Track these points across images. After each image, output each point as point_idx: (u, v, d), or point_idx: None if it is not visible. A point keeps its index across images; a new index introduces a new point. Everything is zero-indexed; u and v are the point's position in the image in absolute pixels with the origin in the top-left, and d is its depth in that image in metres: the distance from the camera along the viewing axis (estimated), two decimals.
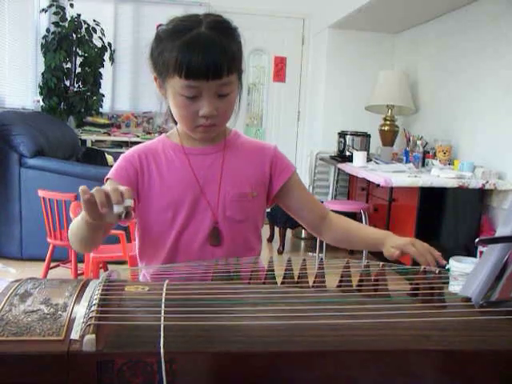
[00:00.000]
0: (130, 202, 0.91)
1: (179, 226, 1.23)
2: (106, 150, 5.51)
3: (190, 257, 1.22)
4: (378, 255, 4.26)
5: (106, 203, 0.89)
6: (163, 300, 0.81)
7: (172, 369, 0.71)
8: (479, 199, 3.80)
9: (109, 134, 5.83)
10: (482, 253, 3.40)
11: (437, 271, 0.99)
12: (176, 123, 1.28)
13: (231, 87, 1.16)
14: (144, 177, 1.24)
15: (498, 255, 0.88)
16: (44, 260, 3.45)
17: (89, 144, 5.68)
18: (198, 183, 1.23)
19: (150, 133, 5.89)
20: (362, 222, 4.24)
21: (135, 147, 1.30)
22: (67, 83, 5.56)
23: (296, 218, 1.38)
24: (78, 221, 1.08)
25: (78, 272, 3.36)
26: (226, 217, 1.24)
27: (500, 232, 0.91)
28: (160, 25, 1.18)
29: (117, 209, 0.89)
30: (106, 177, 1.25)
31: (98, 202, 0.89)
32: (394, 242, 1.18)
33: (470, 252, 3.55)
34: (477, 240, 0.89)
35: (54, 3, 5.45)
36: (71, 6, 5.41)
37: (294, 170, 1.35)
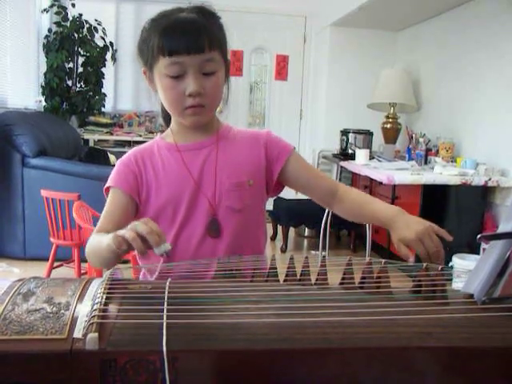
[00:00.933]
0: (169, 247, 0.92)
1: (179, 223, 1.23)
2: (109, 149, 5.52)
3: (190, 251, 1.22)
4: (380, 253, 4.27)
5: (146, 250, 0.90)
6: (166, 298, 0.82)
7: (175, 367, 0.71)
8: (482, 196, 3.80)
9: (111, 134, 5.83)
10: (485, 250, 3.39)
11: (439, 268, 0.99)
12: (168, 123, 1.30)
13: (215, 65, 1.18)
14: (142, 179, 1.24)
15: (500, 251, 0.88)
16: (47, 260, 3.46)
17: (91, 143, 5.69)
18: (193, 178, 1.23)
19: (152, 132, 5.89)
20: None
21: (131, 151, 1.31)
22: (69, 83, 5.58)
23: (307, 196, 1.37)
24: (102, 248, 1.04)
25: (82, 271, 3.37)
26: (224, 207, 1.24)
27: (502, 228, 0.91)
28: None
29: (158, 251, 0.90)
30: (106, 185, 1.25)
31: (138, 251, 0.90)
32: (403, 235, 1.12)
33: (473, 249, 3.54)
34: (478, 236, 0.89)
35: (56, 3, 5.47)
36: (73, 5, 5.42)
37: (292, 150, 1.33)
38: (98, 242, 1.07)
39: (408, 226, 1.12)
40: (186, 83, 1.15)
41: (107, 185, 1.25)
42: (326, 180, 1.36)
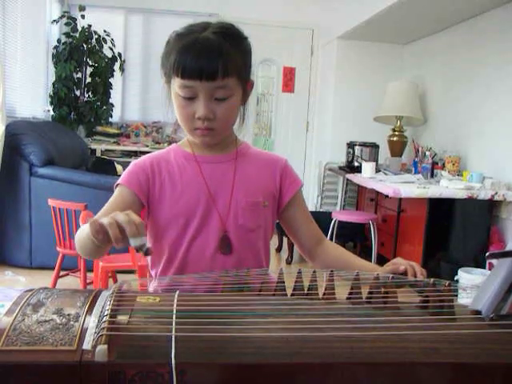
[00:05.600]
0: (145, 241, 0.87)
1: (191, 234, 1.23)
2: (116, 159, 5.54)
3: (201, 265, 1.22)
4: None
5: (121, 239, 0.86)
6: (174, 311, 0.82)
7: (183, 380, 0.71)
8: (488, 210, 3.79)
9: (118, 144, 5.86)
10: (491, 264, 3.39)
11: (446, 283, 0.99)
12: None
13: (229, 91, 1.16)
14: (155, 184, 1.24)
15: (508, 269, 0.88)
16: (53, 269, 3.47)
17: (98, 153, 5.71)
18: (209, 191, 1.23)
19: (159, 142, 5.91)
20: (370, 232, 4.24)
21: (147, 155, 1.31)
22: (77, 93, 5.61)
23: (292, 237, 1.39)
24: (83, 235, 1.04)
25: (88, 281, 3.37)
26: (237, 225, 1.24)
27: (510, 246, 0.91)
28: (175, 31, 1.21)
29: (133, 242, 0.86)
30: (117, 182, 1.25)
31: (113, 238, 0.85)
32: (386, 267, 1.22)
33: (479, 263, 3.54)
34: (487, 254, 0.89)
35: (66, 14, 5.52)
36: (82, 17, 5.47)
37: (301, 185, 1.36)
38: (81, 230, 1.07)
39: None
40: (197, 106, 1.15)
41: (117, 182, 1.25)
42: (316, 228, 1.39)
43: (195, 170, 1.25)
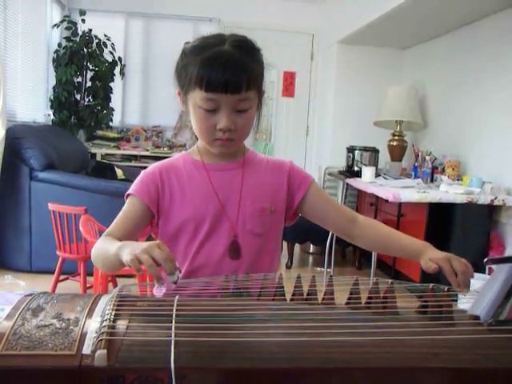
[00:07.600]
0: (178, 274, 0.93)
1: (200, 240, 1.25)
2: (116, 163, 5.53)
3: (209, 270, 1.23)
4: (386, 271, 4.25)
5: (160, 276, 0.91)
6: (174, 316, 0.82)
7: None
8: (488, 215, 3.79)
9: (118, 148, 5.86)
10: (490, 269, 3.38)
11: (446, 289, 0.99)
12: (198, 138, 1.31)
13: (250, 103, 1.19)
14: (165, 192, 1.26)
15: (507, 274, 0.89)
16: (53, 273, 3.46)
17: (98, 157, 5.72)
18: (218, 198, 1.25)
19: (159, 147, 5.91)
20: None
21: (157, 163, 1.33)
22: (78, 97, 5.62)
23: (324, 227, 1.39)
24: (108, 252, 1.07)
25: (87, 285, 3.37)
26: (245, 230, 1.26)
27: (510, 251, 0.92)
28: (187, 42, 1.23)
29: (170, 278, 0.92)
30: (128, 192, 1.27)
31: (155, 280, 0.90)
32: (432, 255, 1.15)
33: (479, 268, 3.51)
34: (486, 260, 0.89)
35: (66, 18, 5.53)
36: (83, 21, 5.48)
37: (312, 180, 1.36)
38: (106, 247, 1.10)
39: (438, 252, 1.17)
40: (219, 118, 1.17)
41: (128, 192, 1.27)
42: (345, 209, 1.39)
43: (204, 178, 1.27)
